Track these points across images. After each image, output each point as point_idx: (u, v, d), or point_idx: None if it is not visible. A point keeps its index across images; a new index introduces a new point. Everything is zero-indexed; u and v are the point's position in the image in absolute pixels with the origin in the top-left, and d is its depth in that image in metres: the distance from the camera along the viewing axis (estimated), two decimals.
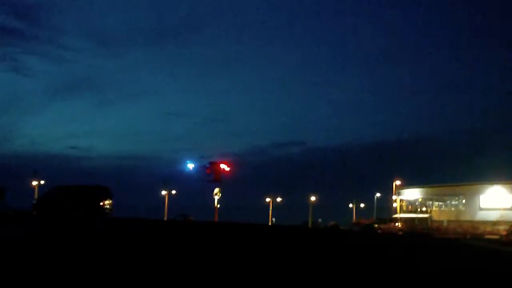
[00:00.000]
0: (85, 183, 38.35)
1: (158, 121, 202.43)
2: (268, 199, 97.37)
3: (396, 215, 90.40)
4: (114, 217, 32.39)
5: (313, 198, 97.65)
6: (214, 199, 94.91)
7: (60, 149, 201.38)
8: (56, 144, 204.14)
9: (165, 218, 75.37)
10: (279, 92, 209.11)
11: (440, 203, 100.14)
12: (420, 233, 65.31)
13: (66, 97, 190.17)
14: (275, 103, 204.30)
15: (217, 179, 26.21)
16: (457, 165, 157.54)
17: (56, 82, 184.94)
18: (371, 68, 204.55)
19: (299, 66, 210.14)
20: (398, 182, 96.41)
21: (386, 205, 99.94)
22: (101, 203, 33.53)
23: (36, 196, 64.27)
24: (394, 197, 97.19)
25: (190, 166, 30.20)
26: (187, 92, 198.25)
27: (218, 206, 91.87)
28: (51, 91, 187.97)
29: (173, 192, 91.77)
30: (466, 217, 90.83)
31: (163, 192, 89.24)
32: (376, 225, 71.76)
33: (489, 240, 56.41)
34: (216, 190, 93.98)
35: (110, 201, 34.65)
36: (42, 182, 76.18)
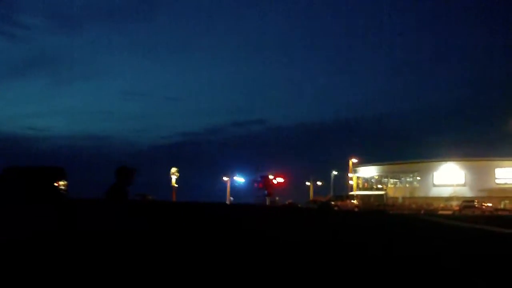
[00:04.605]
0: (39, 164, 37.37)
1: (116, 100, 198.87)
2: (225, 178, 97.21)
3: (352, 192, 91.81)
4: (70, 198, 31.80)
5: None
6: (171, 178, 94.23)
7: (16, 129, 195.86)
8: (12, 124, 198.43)
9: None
10: (238, 70, 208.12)
11: (395, 180, 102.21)
12: (376, 209, 66.53)
13: (21, 76, 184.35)
14: (234, 81, 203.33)
15: (270, 193, 25.51)
16: (411, 143, 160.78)
17: (11, 61, 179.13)
18: (329, 46, 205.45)
19: (257, 44, 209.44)
20: (354, 160, 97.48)
21: (343, 182, 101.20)
22: (55, 184, 32.88)
23: None
24: (350, 175, 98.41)
25: (240, 179, 28.95)
26: (144, 71, 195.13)
27: (177, 185, 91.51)
28: (5, 70, 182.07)
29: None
30: (421, 193, 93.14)
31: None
32: (333, 202, 72.63)
33: (442, 215, 57.85)
34: (174, 169, 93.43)
35: (65, 182, 33.97)
36: None
